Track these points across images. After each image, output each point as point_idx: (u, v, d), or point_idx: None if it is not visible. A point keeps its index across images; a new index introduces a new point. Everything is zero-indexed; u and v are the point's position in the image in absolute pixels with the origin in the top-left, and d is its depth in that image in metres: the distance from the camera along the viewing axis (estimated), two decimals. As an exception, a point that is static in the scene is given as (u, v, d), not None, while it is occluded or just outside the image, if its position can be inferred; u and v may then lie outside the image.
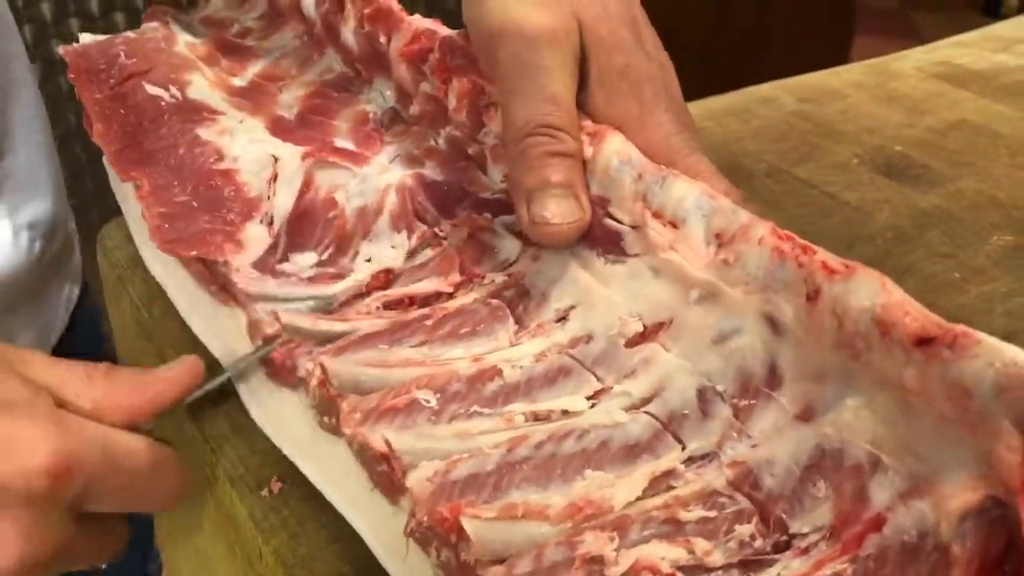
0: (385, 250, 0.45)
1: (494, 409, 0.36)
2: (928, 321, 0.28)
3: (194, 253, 0.46)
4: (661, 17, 0.47)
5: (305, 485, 0.41)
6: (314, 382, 0.38)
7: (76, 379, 0.37)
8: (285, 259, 0.45)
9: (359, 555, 0.38)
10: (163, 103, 0.54)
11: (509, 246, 0.42)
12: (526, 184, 0.39)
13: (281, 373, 0.41)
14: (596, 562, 0.29)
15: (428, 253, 0.44)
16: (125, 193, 0.56)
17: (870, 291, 0.30)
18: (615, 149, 0.39)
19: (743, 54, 1.78)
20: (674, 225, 0.37)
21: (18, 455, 0.32)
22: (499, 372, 0.37)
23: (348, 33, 0.53)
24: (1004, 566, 0.26)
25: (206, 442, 0.45)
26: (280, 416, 0.41)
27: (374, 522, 0.36)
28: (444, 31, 0.47)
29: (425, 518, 0.32)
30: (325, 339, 0.40)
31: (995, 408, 0.26)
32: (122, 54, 0.56)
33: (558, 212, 0.38)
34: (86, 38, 0.59)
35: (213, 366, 0.43)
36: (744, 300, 0.34)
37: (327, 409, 0.39)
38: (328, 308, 0.42)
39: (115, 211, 0.56)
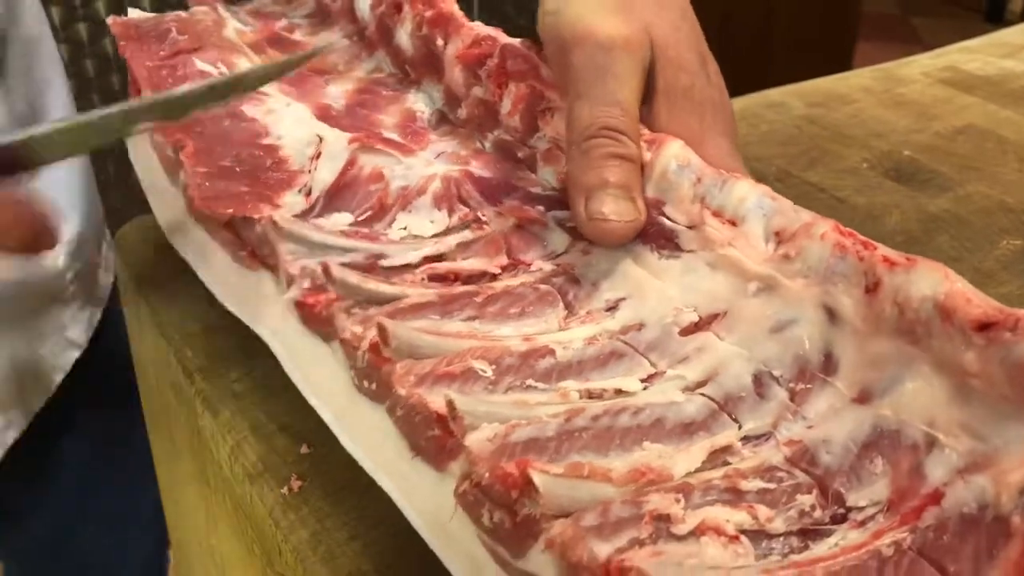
0: (422, 222, 0.46)
1: (548, 384, 0.36)
2: (989, 307, 0.30)
3: (231, 211, 0.46)
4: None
5: (326, 482, 0.41)
6: (365, 344, 0.38)
7: None
8: (320, 218, 0.46)
9: (380, 551, 0.39)
10: (212, 78, 0.54)
11: (558, 239, 0.43)
12: (585, 182, 0.40)
13: (314, 321, 0.41)
14: (663, 520, 0.29)
15: (467, 234, 0.45)
16: (152, 177, 0.56)
17: (932, 281, 0.31)
18: (674, 154, 0.41)
19: (748, 61, 1.79)
20: (733, 223, 0.38)
21: None
22: (551, 351, 0.38)
23: (403, 35, 0.54)
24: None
25: (224, 439, 0.45)
26: (314, 375, 0.42)
27: (413, 490, 0.36)
28: (505, 38, 0.48)
29: (486, 475, 0.32)
30: (371, 299, 0.41)
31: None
32: (174, 29, 0.57)
33: (615, 210, 0.39)
34: (135, 13, 0.59)
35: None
36: (803, 292, 0.35)
37: (371, 373, 0.39)
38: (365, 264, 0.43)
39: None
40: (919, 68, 0.75)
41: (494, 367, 0.37)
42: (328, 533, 0.40)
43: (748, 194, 0.38)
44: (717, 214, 0.39)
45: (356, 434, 0.40)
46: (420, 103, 0.54)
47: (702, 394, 0.35)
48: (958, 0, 2.83)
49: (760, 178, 0.40)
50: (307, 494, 0.42)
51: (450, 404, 0.34)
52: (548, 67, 0.46)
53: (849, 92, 0.72)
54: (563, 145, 0.45)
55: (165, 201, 0.56)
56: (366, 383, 0.40)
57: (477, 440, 0.34)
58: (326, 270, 0.40)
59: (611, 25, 0.42)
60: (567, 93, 0.43)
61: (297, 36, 0.61)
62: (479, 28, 0.50)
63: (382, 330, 0.37)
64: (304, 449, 0.43)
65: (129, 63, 0.55)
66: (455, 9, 0.51)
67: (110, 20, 0.57)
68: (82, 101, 0.68)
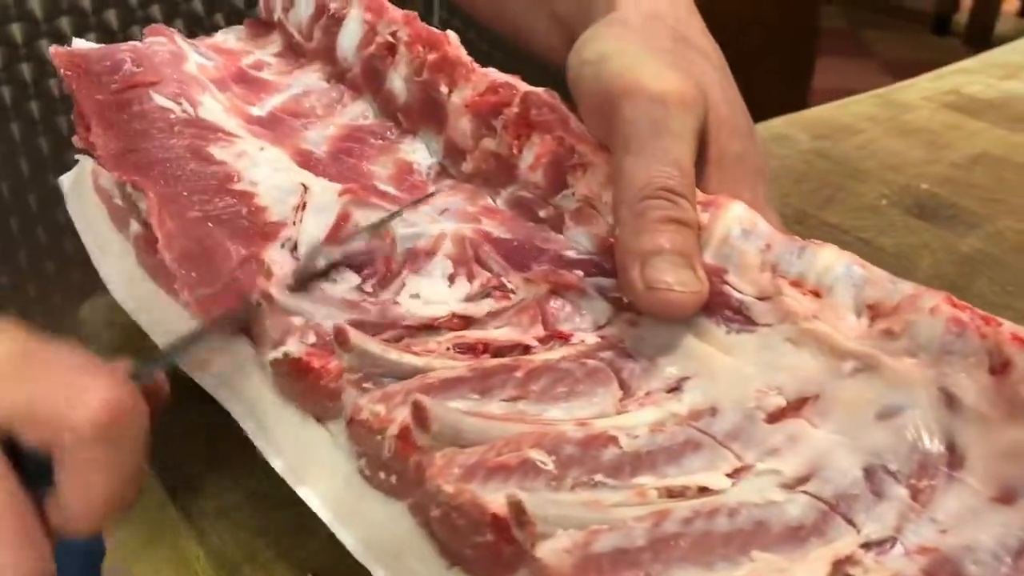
0: (438, 288, 0.39)
1: (619, 480, 0.31)
2: None
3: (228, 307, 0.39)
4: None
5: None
6: (394, 428, 0.32)
7: None
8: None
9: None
10: (172, 116, 0.47)
11: (599, 308, 0.38)
12: (641, 247, 0.35)
13: (312, 394, 0.34)
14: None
15: (491, 303, 0.39)
16: (96, 229, 0.49)
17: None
18: (737, 217, 0.37)
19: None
20: (817, 294, 0.34)
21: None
22: (614, 440, 0.32)
23: (397, 79, 0.49)
24: None
25: (190, 525, 0.38)
26: (306, 463, 0.35)
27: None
28: (525, 86, 0.44)
29: (572, 596, 0.26)
30: (392, 372, 0.34)
31: None
32: (128, 60, 0.49)
33: (678, 279, 0.34)
34: (80, 43, 0.52)
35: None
36: (912, 373, 0.31)
37: (395, 463, 0.32)
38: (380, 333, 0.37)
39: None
40: (920, 93, 0.73)
41: (554, 458, 0.31)
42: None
43: (834, 262, 0.34)
44: (797, 284, 0.34)
45: (368, 537, 0.33)
46: (416, 154, 0.48)
47: (805, 492, 0.30)
48: (905, 14, 2.89)
49: (778, 219, 0.37)
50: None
51: (516, 505, 0.28)
52: (578, 119, 0.42)
53: (854, 121, 0.69)
54: (596, 204, 0.40)
55: (112, 255, 0.48)
56: (383, 475, 0.33)
57: (553, 551, 0.27)
58: (341, 335, 0.33)
59: (666, 79, 0.38)
60: (611, 149, 0.39)
61: (266, 75, 0.54)
62: (494, 75, 0.45)
63: (420, 411, 0.31)
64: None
65: (76, 97, 0.47)
66: (463, 54, 0.46)
67: (53, 50, 0.49)
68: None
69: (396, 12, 0.50)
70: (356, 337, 0.33)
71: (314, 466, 0.35)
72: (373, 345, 0.34)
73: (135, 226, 0.47)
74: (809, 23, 1.88)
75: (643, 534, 0.28)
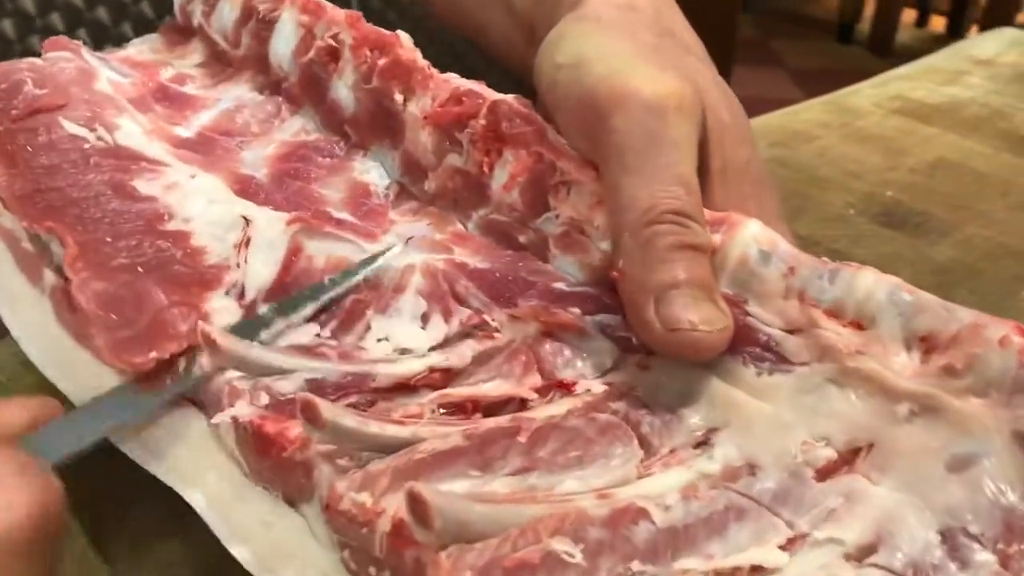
0: (409, 330, 0.34)
1: (660, 566, 0.26)
2: None
3: (153, 356, 0.33)
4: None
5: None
6: (385, 524, 0.26)
7: None
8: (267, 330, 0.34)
9: None
10: (87, 145, 0.41)
11: (602, 350, 0.33)
12: (654, 281, 0.30)
13: (279, 469, 0.29)
14: None
15: (473, 345, 0.34)
16: (11, 292, 0.42)
17: None
18: (753, 236, 0.32)
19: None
20: (859, 326, 0.30)
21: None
22: (644, 514, 0.27)
23: (342, 88, 0.43)
24: None
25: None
26: (278, 552, 0.29)
27: None
28: (493, 94, 0.38)
29: None
30: (373, 446, 0.29)
31: None
32: (29, 81, 0.43)
33: (701, 317, 0.30)
34: (-36, 61, 0.45)
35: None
36: (982, 415, 0.27)
37: (389, 563, 0.27)
38: (349, 389, 0.31)
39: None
40: (867, 99, 0.73)
41: (581, 546, 0.26)
42: None
43: (875, 287, 0.29)
44: (834, 313, 0.30)
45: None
46: (370, 174, 0.42)
47: (875, 565, 0.26)
48: (811, 23, 2.96)
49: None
50: None
51: (547, 619, 0.23)
52: (556, 131, 0.37)
53: (806, 128, 0.68)
54: (586, 228, 0.35)
55: (22, 309, 0.41)
56: (373, 570, 0.28)
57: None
58: (310, 409, 0.28)
59: (659, 82, 0.33)
60: (601, 165, 0.34)
61: (191, 89, 0.48)
62: (456, 81, 0.39)
63: (419, 505, 0.25)
64: None
65: (-32, 127, 0.40)
66: (418, 57, 0.41)
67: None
68: None
69: (337, 12, 0.44)
70: (328, 411, 0.28)
71: (286, 557, 0.30)
72: (349, 419, 0.28)
73: (50, 276, 0.41)
74: (728, 34, 1.89)
75: (700, 639, 0.24)
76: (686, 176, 0.32)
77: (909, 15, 2.91)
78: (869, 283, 0.30)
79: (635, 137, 0.32)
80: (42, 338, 0.40)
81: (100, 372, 0.37)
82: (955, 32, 2.86)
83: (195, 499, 0.32)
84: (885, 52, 2.72)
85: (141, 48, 0.51)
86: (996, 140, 0.66)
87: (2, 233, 0.44)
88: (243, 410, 0.30)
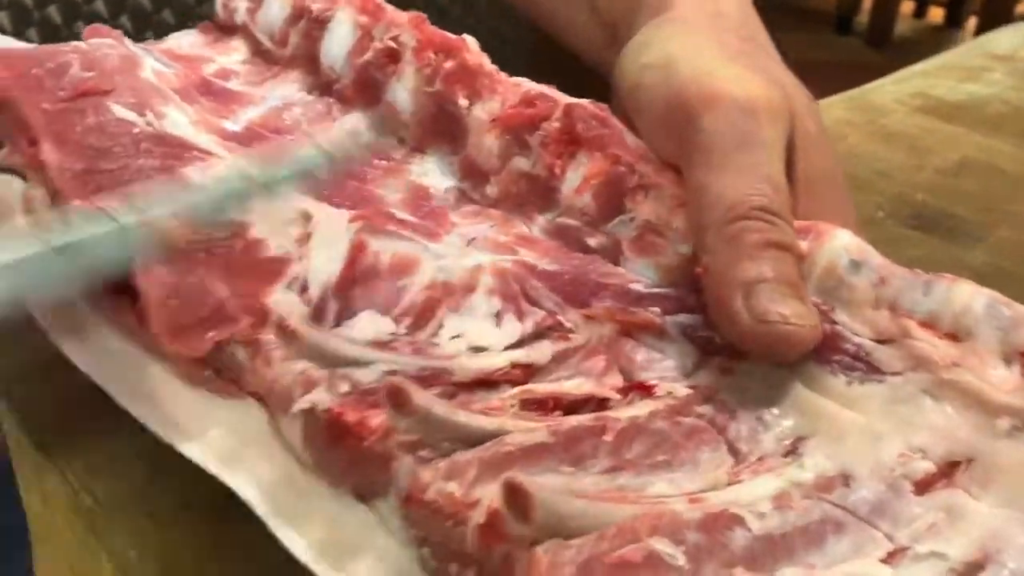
0: (483, 328, 0.33)
1: (761, 574, 0.25)
2: None
3: (213, 335, 0.32)
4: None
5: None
6: (479, 515, 0.25)
7: None
8: (339, 327, 0.33)
9: None
10: (136, 130, 0.40)
11: (681, 351, 0.32)
12: (743, 275, 0.30)
13: (359, 462, 0.28)
14: None
15: (550, 346, 0.33)
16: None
17: None
18: (844, 246, 0.32)
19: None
20: (955, 338, 0.29)
21: None
22: (738, 520, 0.26)
23: (401, 91, 0.42)
24: None
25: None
26: (348, 551, 0.28)
27: None
28: (566, 97, 0.38)
29: None
30: (457, 437, 0.28)
31: None
32: (76, 63, 0.42)
33: (793, 311, 0.29)
34: (7, 41, 0.44)
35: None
36: (1089, 434, 0.26)
37: (475, 559, 0.26)
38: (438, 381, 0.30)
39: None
40: (889, 95, 0.72)
41: (682, 547, 0.25)
42: None
43: (972, 300, 0.29)
44: (928, 325, 0.29)
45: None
46: (428, 177, 0.41)
47: (985, 581, 0.25)
48: (809, 15, 2.96)
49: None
50: None
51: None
52: (634, 134, 0.36)
53: (835, 127, 0.66)
54: (663, 230, 0.35)
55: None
56: (455, 568, 0.26)
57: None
58: (400, 395, 0.26)
59: (751, 84, 0.33)
60: (686, 165, 0.33)
61: (235, 86, 0.47)
62: (527, 84, 0.39)
63: (519, 495, 0.24)
64: None
65: (15, 105, 0.39)
66: (485, 62, 0.40)
67: (-21, 48, 0.41)
68: None
69: (398, 14, 0.43)
70: (420, 396, 0.27)
71: (354, 553, 0.28)
72: (438, 406, 0.27)
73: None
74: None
75: (816, 647, 0.22)
76: (775, 176, 0.32)
77: (907, 6, 2.90)
78: (966, 295, 0.29)
79: (725, 136, 0.32)
80: (73, 327, 0.39)
81: (147, 370, 0.36)
82: (953, 23, 2.85)
83: (249, 493, 0.30)
84: (884, 43, 2.71)
85: (180, 43, 0.50)
86: (1019, 138, 0.65)
87: (33, 214, 0.42)
88: (322, 397, 0.28)
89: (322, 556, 0.28)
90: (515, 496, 0.24)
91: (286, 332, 0.31)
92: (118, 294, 0.35)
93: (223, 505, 0.29)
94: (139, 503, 0.33)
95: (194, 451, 0.31)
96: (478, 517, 0.25)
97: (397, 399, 0.26)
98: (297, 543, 0.29)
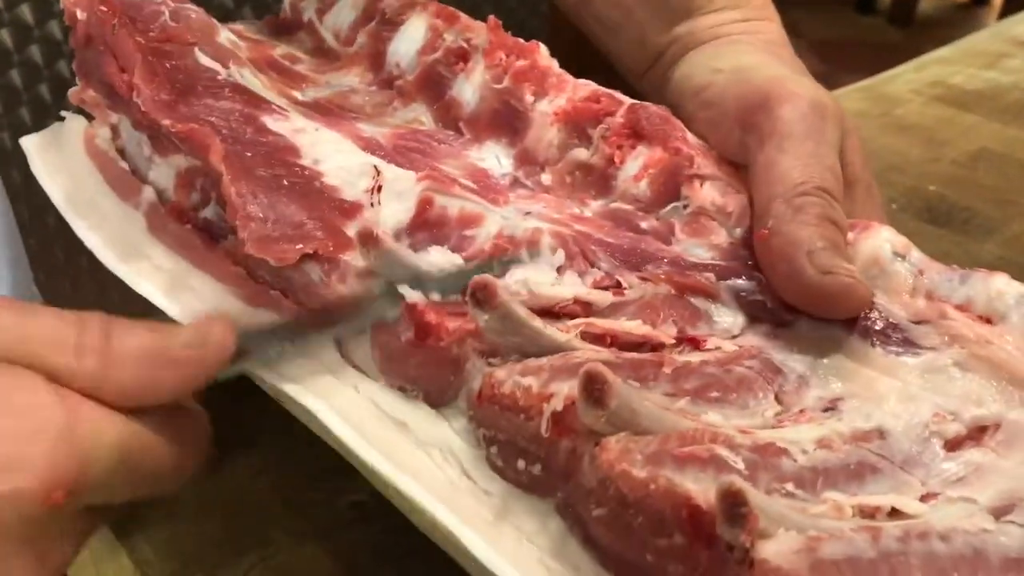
0: (546, 277, 0.35)
1: (809, 493, 0.27)
2: None
3: (301, 247, 0.33)
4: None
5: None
6: (557, 403, 0.27)
7: (65, 350, 0.26)
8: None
9: None
10: (220, 77, 0.42)
11: (729, 316, 0.34)
12: (806, 237, 0.33)
13: (430, 363, 0.29)
14: None
15: (609, 297, 0.35)
16: (84, 195, 0.42)
17: None
18: (888, 239, 0.35)
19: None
20: (987, 320, 0.32)
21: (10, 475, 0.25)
22: (785, 452, 0.28)
23: (467, 87, 0.45)
24: None
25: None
26: (414, 460, 0.29)
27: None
28: (630, 100, 0.41)
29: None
30: (528, 346, 0.29)
31: None
32: (166, 13, 0.44)
33: (851, 271, 0.32)
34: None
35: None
36: (1105, 407, 0.29)
37: (540, 448, 0.27)
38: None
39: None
40: (905, 85, 0.71)
41: (741, 459, 0.26)
42: None
43: (1007, 288, 0.32)
44: (964, 308, 0.32)
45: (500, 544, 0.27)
46: (485, 162, 0.44)
47: (1015, 523, 0.27)
48: None
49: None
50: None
51: (736, 495, 0.23)
52: (693, 130, 0.40)
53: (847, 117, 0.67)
54: (717, 215, 0.38)
55: (108, 224, 0.41)
56: (522, 463, 0.28)
57: (780, 553, 0.23)
58: (486, 288, 0.28)
59: (815, 90, 0.38)
60: (755, 148, 0.37)
61: (301, 69, 0.50)
62: (593, 85, 0.42)
63: (598, 382, 0.26)
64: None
65: (111, 35, 0.41)
66: (555, 65, 0.43)
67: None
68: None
69: (473, 21, 0.47)
70: (503, 292, 0.28)
71: (420, 455, 0.29)
72: (518, 307, 0.29)
73: (149, 193, 0.41)
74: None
75: (869, 547, 0.24)
76: (835, 168, 0.36)
77: (932, -17, 2.80)
78: (1001, 284, 0.32)
79: (798, 126, 0.36)
80: (128, 252, 0.40)
81: (203, 283, 0.37)
82: (979, 0, 2.73)
83: (318, 407, 0.31)
84: (906, 22, 2.60)
85: (247, 27, 0.53)
86: (1038, 129, 0.64)
87: (95, 153, 0.44)
88: (413, 295, 0.30)
89: (391, 462, 0.29)
90: (593, 383, 0.26)
91: (370, 239, 0.32)
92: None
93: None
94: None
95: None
96: (555, 404, 0.27)
97: (483, 292, 0.28)
98: (372, 454, 0.29)
